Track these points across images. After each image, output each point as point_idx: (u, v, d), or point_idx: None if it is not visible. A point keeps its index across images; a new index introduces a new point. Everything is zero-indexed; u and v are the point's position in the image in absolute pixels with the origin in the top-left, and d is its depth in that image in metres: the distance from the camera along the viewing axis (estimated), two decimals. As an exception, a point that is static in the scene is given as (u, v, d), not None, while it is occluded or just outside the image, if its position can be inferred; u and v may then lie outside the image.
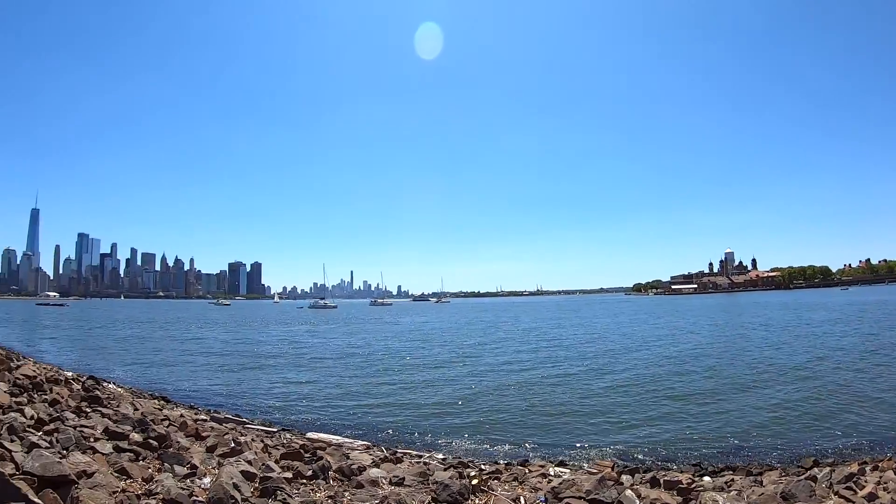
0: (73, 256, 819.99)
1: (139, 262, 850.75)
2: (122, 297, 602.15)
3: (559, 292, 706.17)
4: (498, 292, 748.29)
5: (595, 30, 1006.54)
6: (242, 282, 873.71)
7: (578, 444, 19.83)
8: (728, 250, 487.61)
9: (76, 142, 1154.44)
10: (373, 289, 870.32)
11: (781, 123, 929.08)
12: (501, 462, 17.45)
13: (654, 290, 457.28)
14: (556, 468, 15.89)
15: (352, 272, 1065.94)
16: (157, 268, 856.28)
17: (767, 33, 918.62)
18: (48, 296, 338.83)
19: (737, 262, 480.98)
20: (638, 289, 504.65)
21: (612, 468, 15.01)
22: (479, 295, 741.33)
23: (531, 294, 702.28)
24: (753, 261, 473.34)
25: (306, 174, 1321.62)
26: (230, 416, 22.92)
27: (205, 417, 21.58)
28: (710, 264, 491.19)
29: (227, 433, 16.90)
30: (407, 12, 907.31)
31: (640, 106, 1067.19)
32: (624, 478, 13.64)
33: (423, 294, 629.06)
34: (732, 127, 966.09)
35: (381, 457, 16.65)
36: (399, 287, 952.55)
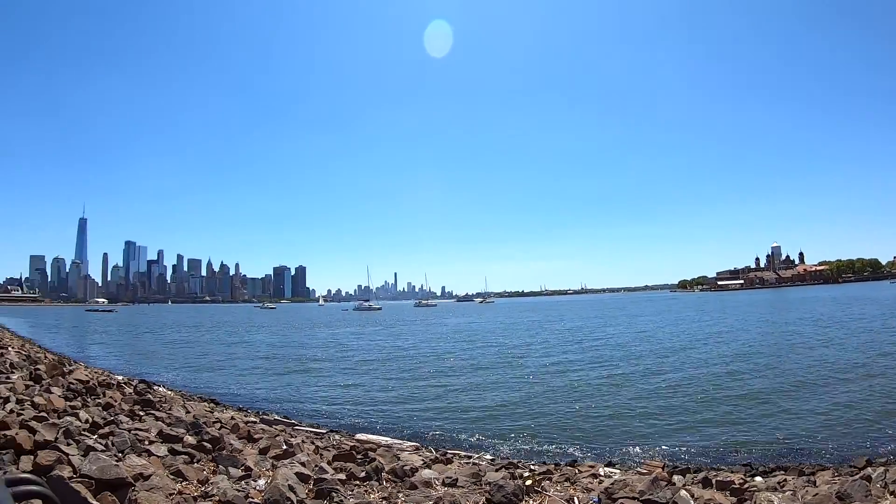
0: (120, 263, 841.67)
1: (185, 268, 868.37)
2: (170, 303, 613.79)
3: (603, 290, 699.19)
4: (542, 291, 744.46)
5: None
6: (287, 285, 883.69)
7: (626, 445, 19.54)
8: (775, 244, 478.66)
9: (120, 152, 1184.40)
10: (417, 290, 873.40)
11: (827, 114, 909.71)
12: (550, 463, 17.21)
13: (699, 287, 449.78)
14: (605, 468, 15.67)
15: (395, 274, 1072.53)
16: (203, 273, 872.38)
17: (808, 24, 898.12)
18: (97, 302, 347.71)
19: (784, 257, 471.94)
20: (683, 285, 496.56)
21: (663, 468, 14.90)
22: (523, 294, 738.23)
23: (575, 293, 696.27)
24: (801, 254, 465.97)
25: (348, 176, 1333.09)
26: (279, 418, 23.09)
27: (254, 419, 21.74)
28: (757, 259, 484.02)
29: (277, 435, 17.01)
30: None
31: (679, 99, 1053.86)
32: (676, 478, 13.46)
33: (467, 294, 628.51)
34: (778, 118, 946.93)
35: (431, 458, 16.57)
36: (443, 288, 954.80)
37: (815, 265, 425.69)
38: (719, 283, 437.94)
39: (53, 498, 2.30)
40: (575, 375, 33.61)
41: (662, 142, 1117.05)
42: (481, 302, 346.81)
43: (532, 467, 15.86)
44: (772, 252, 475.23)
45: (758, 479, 14.22)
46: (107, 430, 12.41)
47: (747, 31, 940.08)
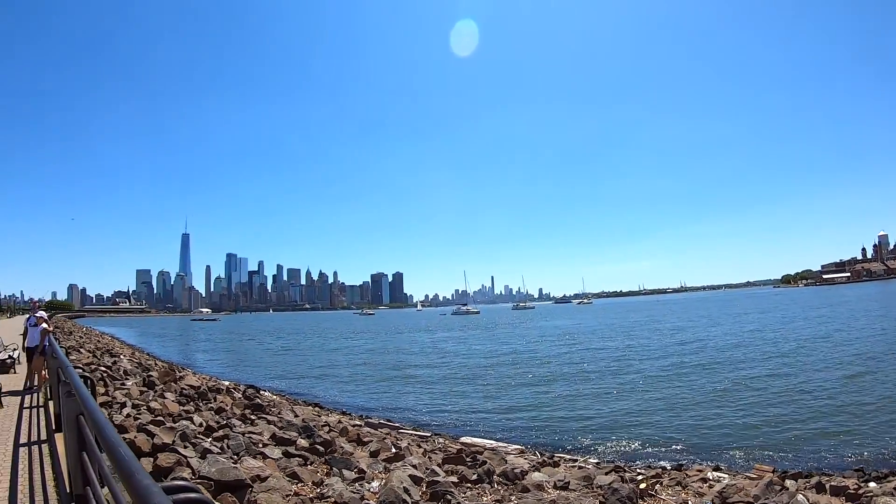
0: (222, 275, 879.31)
1: (285, 277, 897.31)
2: (271, 311, 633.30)
3: (703, 288, 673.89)
4: (640, 291, 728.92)
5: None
6: (385, 291, 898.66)
7: (729, 449, 18.86)
8: (882, 233, 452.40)
9: (220, 169, 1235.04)
10: (514, 293, 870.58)
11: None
12: (657, 467, 16.74)
13: (804, 281, 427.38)
14: (714, 473, 15.31)
15: (492, 277, 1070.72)
16: (303, 282, 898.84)
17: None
18: (201, 312, 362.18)
19: (892, 246, 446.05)
20: (787, 280, 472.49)
21: (774, 472, 14.50)
22: (621, 294, 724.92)
23: (674, 291, 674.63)
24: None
25: (443, 181, 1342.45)
26: (383, 422, 23.33)
27: (359, 423, 22.05)
28: (864, 249, 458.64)
29: (384, 438, 17.17)
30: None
31: (777, 88, 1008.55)
32: (788, 482, 13.10)
33: (564, 296, 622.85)
34: (874, 97, 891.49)
35: (538, 461, 16.42)
36: (540, 290, 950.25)
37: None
38: (824, 276, 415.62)
39: (211, 503, 2.27)
40: (675, 377, 32.69)
41: (761, 132, 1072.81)
42: (579, 303, 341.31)
43: (640, 471, 15.59)
44: (879, 242, 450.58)
45: (871, 484, 13.50)
46: (221, 433, 12.85)
47: (852, 14, 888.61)
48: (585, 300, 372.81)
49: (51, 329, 17.72)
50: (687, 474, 15.12)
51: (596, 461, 17.53)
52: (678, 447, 19.27)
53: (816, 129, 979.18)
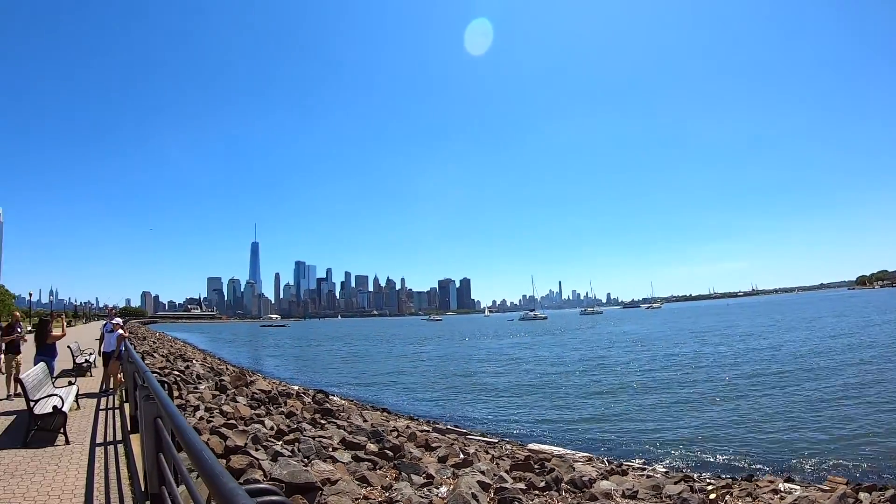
0: (291, 282, 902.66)
1: (353, 284, 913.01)
2: (339, 317, 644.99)
3: (775, 291, 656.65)
4: (710, 294, 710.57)
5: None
6: (452, 297, 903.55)
7: (800, 459, 18.11)
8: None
9: (288, 180, 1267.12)
10: (581, 298, 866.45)
11: None
12: (726, 477, 16.27)
13: (880, 283, 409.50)
14: (785, 484, 14.79)
15: (560, 282, 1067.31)
16: (371, 288, 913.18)
17: None
18: (270, 318, 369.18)
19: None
20: (862, 282, 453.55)
21: (847, 484, 14.07)
22: (690, 298, 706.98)
23: (745, 294, 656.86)
24: None
25: (508, 188, 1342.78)
26: (451, 427, 23.29)
27: (427, 428, 22.04)
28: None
29: (452, 443, 17.16)
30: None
31: (844, 84, 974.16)
32: (862, 495, 12.64)
33: (633, 300, 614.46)
34: None
35: (606, 469, 16.22)
36: (608, 294, 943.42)
37: None
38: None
39: None
40: (746, 385, 31.58)
41: (834, 131, 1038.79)
42: (648, 308, 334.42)
43: (710, 481, 15.29)
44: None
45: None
46: (291, 436, 13.07)
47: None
48: (654, 304, 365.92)
49: (126, 335, 18.27)
50: (758, 485, 14.76)
51: (665, 470, 17.19)
52: (749, 457, 18.70)
53: (892, 126, 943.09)
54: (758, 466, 17.68)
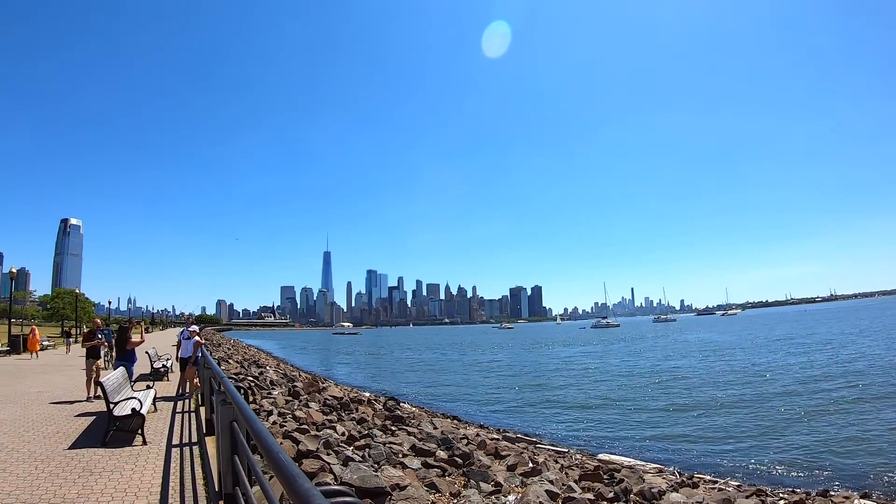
0: (363, 291, 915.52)
1: (424, 292, 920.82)
2: (411, 325, 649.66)
3: (855, 296, 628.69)
4: (787, 300, 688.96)
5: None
6: (524, 305, 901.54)
7: (877, 474, 17.43)
8: None
9: (359, 190, 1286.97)
10: (655, 305, 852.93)
11: None
12: (800, 491, 15.71)
13: None
14: (861, 500, 14.43)
15: (632, 289, 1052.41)
16: (442, 296, 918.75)
17: None
18: (343, 326, 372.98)
19: None
20: None
21: None
22: (767, 304, 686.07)
23: (823, 300, 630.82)
24: None
25: (581, 193, 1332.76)
26: (521, 436, 23.21)
27: (497, 436, 22.00)
28: None
29: (522, 452, 17.10)
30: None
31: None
32: None
33: (707, 307, 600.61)
34: None
35: (676, 481, 15.87)
36: (682, 301, 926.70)
37: None
38: None
39: None
40: (821, 396, 30.48)
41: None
42: (723, 315, 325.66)
43: (782, 495, 14.87)
44: None
45: None
46: (362, 442, 13.26)
47: None
48: (730, 311, 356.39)
49: (202, 342, 18.85)
50: (832, 500, 14.36)
51: (736, 483, 16.79)
52: (824, 471, 18.10)
53: None
54: (834, 481, 17.10)
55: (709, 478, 17.55)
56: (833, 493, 15.33)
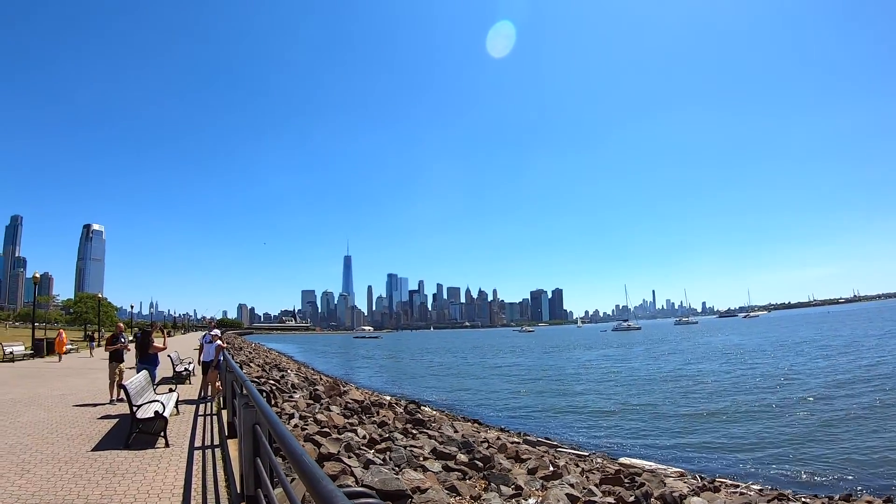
0: (384, 294, 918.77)
1: (445, 296, 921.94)
2: (431, 329, 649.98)
3: (879, 296, 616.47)
4: (810, 301, 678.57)
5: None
6: (544, 308, 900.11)
7: None
8: None
9: (378, 195, 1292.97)
10: (676, 307, 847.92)
11: None
12: (823, 496, 15.76)
13: None
14: None
15: (653, 291, 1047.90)
16: (462, 300, 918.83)
17: None
18: (363, 329, 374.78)
19: None
20: None
21: None
22: (789, 306, 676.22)
23: (847, 301, 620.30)
24: None
25: (602, 194, 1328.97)
26: (541, 439, 23.18)
27: (518, 440, 22.00)
28: None
29: (543, 455, 17.08)
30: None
31: None
32: None
33: (729, 309, 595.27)
34: None
35: (698, 485, 15.78)
36: (703, 303, 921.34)
37: None
38: None
39: None
40: (845, 400, 30.10)
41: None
42: (745, 317, 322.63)
43: (805, 500, 14.92)
44: None
45: None
46: (383, 445, 13.34)
47: None
48: (752, 313, 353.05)
49: (224, 346, 19.00)
50: (857, 506, 14.12)
51: (759, 488, 16.60)
52: (847, 477, 17.88)
53: None
54: (857, 486, 16.89)
55: (730, 482, 17.43)
56: (856, 499, 15.20)
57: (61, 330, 46.06)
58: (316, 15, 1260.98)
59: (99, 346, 52.15)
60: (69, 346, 45.91)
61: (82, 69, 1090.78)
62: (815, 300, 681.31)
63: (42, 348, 43.03)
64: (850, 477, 17.87)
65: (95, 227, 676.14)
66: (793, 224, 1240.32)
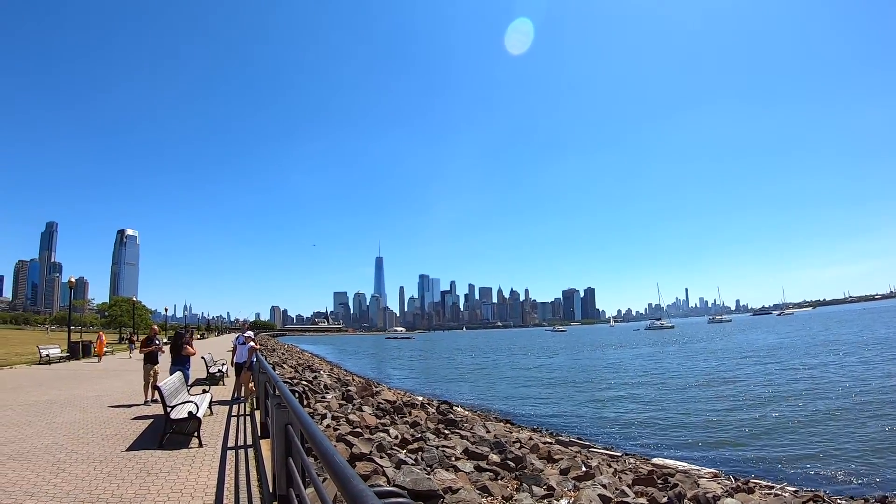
0: (415, 295, 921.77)
1: (477, 296, 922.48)
2: (464, 329, 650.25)
3: None
4: (846, 298, 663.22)
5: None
6: (577, 308, 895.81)
7: None
8: None
9: (410, 197, 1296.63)
10: (709, 305, 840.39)
11: None
12: (858, 498, 15.52)
13: None
14: None
15: (686, 289, 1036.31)
16: (494, 300, 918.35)
17: None
18: (396, 330, 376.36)
19: None
20: None
21: None
22: (824, 303, 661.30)
23: (883, 297, 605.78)
24: None
25: (627, 194, 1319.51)
26: (574, 440, 23.04)
27: (549, 440, 21.90)
28: None
29: (575, 456, 17.02)
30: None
31: None
32: None
33: (763, 307, 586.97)
34: None
35: (731, 486, 15.59)
36: (737, 301, 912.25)
37: None
38: None
39: None
40: (880, 400, 29.39)
41: None
42: (780, 314, 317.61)
43: (841, 501, 14.79)
44: None
45: None
46: (415, 445, 13.39)
47: None
48: (786, 311, 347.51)
49: (257, 347, 19.18)
50: (892, 508, 13.81)
51: (794, 489, 16.30)
52: (884, 478, 17.53)
53: None
54: (893, 488, 16.61)
55: (765, 483, 17.19)
56: (892, 500, 14.97)
57: (101, 333, 47.02)
58: (335, 16, 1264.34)
59: (137, 348, 53.13)
60: (106, 349, 46.75)
61: (113, 74, 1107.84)
62: (850, 297, 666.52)
63: (78, 351, 43.86)
64: (888, 478, 17.55)
65: (129, 232, 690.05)
66: (827, 219, 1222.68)
